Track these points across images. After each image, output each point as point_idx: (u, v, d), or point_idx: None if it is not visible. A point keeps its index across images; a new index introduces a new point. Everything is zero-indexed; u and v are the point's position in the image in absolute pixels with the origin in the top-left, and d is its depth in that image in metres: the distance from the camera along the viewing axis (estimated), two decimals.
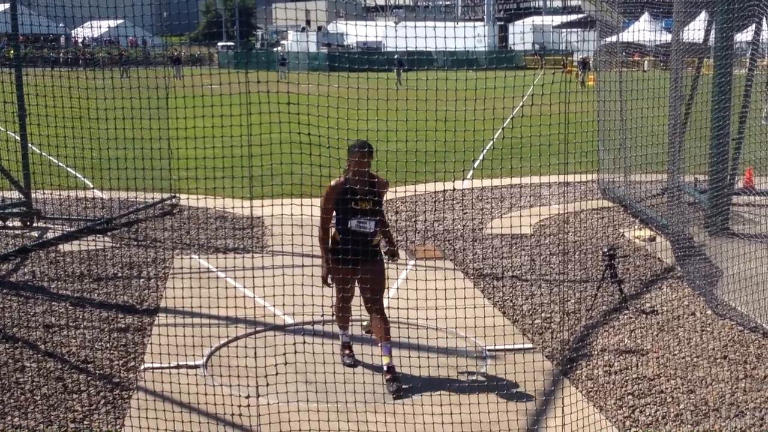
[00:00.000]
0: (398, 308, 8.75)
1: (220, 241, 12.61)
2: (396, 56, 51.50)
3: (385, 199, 7.59)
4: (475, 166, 17.66)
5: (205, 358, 7.95)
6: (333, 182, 7.43)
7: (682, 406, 7.03)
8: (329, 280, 7.55)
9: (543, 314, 9.36)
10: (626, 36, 17.28)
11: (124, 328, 8.90)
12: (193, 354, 7.85)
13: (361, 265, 7.46)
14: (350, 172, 7.39)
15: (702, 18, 13.15)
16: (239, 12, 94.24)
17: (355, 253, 7.28)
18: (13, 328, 8.81)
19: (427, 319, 8.43)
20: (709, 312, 9.33)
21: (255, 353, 7.13)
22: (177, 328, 8.28)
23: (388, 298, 9.24)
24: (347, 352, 7.91)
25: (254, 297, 8.99)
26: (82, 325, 8.94)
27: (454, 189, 15.86)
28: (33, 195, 13.68)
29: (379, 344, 7.44)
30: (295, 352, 7.20)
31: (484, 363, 7.94)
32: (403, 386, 7.29)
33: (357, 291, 7.75)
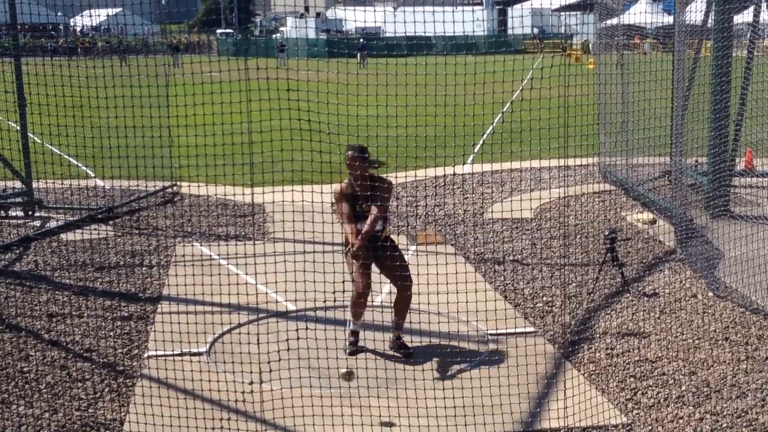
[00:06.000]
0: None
1: (221, 229, 12.62)
2: (360, 40, 51.88)
3: (391, 201, 7.83)
4: (476, 150, 17.65)
5: (208, 345, 7.98)
6: (338, 187, 7.72)
7: (683, 388, 7.06)
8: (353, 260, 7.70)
9: (544, 298, 9.39)
10: (626, 18, 17.23)
11: (127, 316, 8.93)
12: (197, 341, 7.89)
13: (378, 258, 7.81)
14: (351, 177, 7.68)
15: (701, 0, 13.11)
16: None
17: (367, 249, 7.62)
18: (17, 317, 8.84)
19: (428, 303, 8.44)
20: (710, 294, 9.35)
21: (258, 340, 7.15)
22: (180, 315, 8.30)
23: (390, 283, 9.25)
24: (353, 339, 7.97)
25: (256, 284, 9.01)
26: (85, 314, 8.97)
27: (454, 174, 15.85)
28: (34, 184, 13.69)
29: (394, 319, 7.84)
30: (298, 339, 7.22)
31: (486, 347, 7.97)
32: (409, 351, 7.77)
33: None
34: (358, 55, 44.76)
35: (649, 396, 6.94)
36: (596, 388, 7.09)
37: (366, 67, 32.99)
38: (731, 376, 7.26)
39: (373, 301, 8.86)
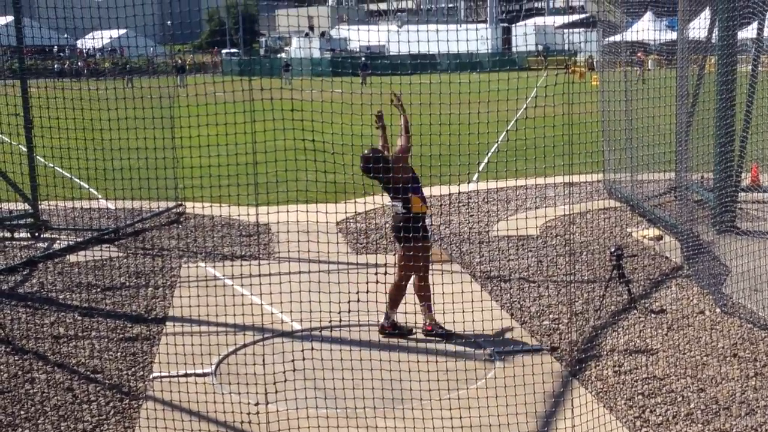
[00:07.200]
0: (405, 313, 8.77)
1: (227, 249, 12.62)
2: (362, 59, 52.38)
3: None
4: (481, 168, 17.66)
5: (213, 366, 7.95)
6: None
7: (692, 405, 7.02)
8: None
9: (551, 315, 9.35)
10: (630, 35, 17.26)
11: (132, 337, 8.91)
12: (202, 362, 7.86)
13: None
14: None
15: (705, 16, 13.12)
16: (242, 19, 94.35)
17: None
18: (23, 339, 8.83)
19: (435, 322, 8.42)
20: (717, 310, 9.30)
21: (263, 360, 7.13)
22: (185, 336, 8.29)
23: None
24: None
25: (262, 304, 9.00)
26: (90, 336, 8.95)
27: (459, 192, 15.84)
28: (40, 206, 13.71)
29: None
30: (303, 359, 7.19)
31: (493, 365, 7.93)
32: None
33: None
34: (360, 74, 45.10)
35: (658, 414, 6.90)
36: (604, 406, 7.05)
37: (369, 85, 33.48)
38: (740, 393, 7.21)
39: (369, 320, 8.83)
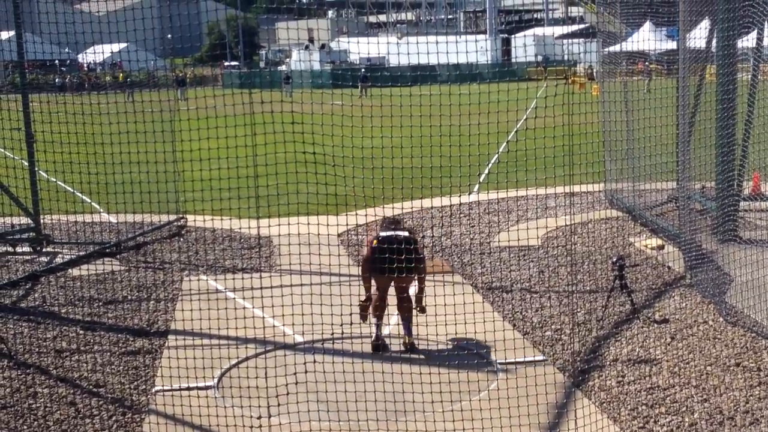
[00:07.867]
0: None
1: (228, 262, 12.62)
2: (362, 71, 52.70)
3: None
4: (481, 179, 17.66)
5: (216, 379, 7.94)
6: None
7: (696, 415, 7.00)
8: None
9: (553, 326, 9.34)
10: (629, 45, 17.28)
11: (135, 351, 8.90)
12: (204, 375, 7.85)
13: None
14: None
15: (704, 26, 13.14)
16: (243, 32, 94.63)
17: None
18: (25, 354, 8.82)
19: (437, 334, 8.41)
20: (720, 320, 9.29)
21: (266, 373, 7.12)
22: (188, 349, 8.28)
23: (397, 314, 9.23)
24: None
25: (264, 316, 8.99)
26: (93, 349, 8.94)
27: (460, 203, 15.84)
28: (42, 220, 13.72)
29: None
30: (306, 371, 7.19)
31: (496, 377, 7.92)
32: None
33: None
34: (360, 86, 45.34)
35: (662, 424, 6.88)
36: (608, 417, 7.03)
37: (369, 97, 33.73)
38: (744, 403, 7.20)
39: (371, 333, 8.82)
